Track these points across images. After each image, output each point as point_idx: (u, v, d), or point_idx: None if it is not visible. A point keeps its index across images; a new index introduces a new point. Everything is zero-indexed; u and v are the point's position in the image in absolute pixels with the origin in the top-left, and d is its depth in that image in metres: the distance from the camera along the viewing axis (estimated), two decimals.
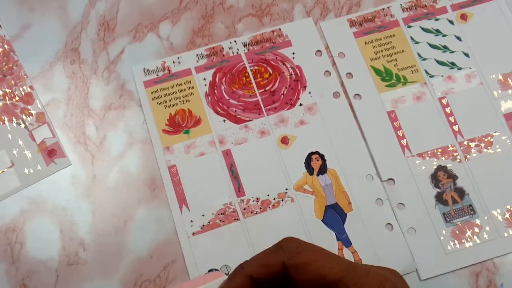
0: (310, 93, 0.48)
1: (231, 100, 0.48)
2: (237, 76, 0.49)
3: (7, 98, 0.48)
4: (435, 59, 0.49)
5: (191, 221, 0.45)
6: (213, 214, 0.45)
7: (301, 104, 0.48)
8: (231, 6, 0.51)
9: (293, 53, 0.49)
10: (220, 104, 0.48)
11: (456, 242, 0.44)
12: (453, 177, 0.46)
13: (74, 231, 0.45)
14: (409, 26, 0.50)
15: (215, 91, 0.48)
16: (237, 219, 0.45)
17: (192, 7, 0.51)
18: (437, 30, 0.50)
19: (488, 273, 0.43)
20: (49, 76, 0.49)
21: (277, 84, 0.49)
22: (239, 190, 0.45)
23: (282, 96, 0.48)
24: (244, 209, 0.45)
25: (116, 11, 0.51)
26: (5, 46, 0.49)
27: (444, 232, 0.44)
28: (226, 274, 0.41)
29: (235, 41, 0.50)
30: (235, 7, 0.51)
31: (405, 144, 0.46)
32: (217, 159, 0.46)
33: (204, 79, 0.49)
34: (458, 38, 0.50)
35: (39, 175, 0.46)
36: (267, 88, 0.48)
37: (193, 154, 0.46)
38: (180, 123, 0.47)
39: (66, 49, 0.50)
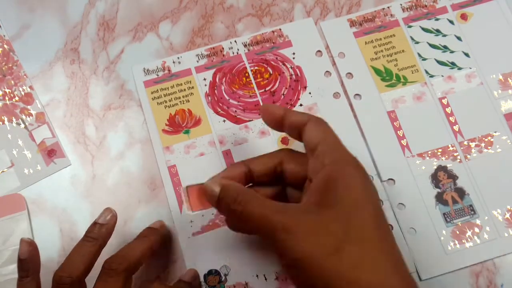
0: (310, 93, 0.48)
1: (231, 100, 0.48)
2: (237, 76, 0.49)
3: (6, 98, 0.48)
4: (435, 59, 0.49)
5: (191, 222, 0.44)
6: (213, 214, 0.45)
7: (301, 105, 0.48)
8: (231, 6, 0.51)
9: (293, 53, 0.49)
10: (220, 104, 0.48)
11: (456, 242, 0.44)
12: (453, 177, 0.45)
13: (74, 231, 0.45)
14: (409, 26, 0.50)
15: (215, 91, 0.48)
16: None
17: (192, 7, 0.51)
18: (437, 30, 0.50)
19: (488, 273, 0.43)
20: (49, 76, 0.49)
21: (277, 84, 0.49)
22: None
23: (282, 96, 0.48)
24: None
25: (116, 11, 0.51)
26: (5, 46, 0.49)
27: (444, 232, 0.44)
28: (225, 275, 0.41)
29: (235, 41, 0.50)
30: (235, 7, 0.51)
31: (405, 144, 0.46)
32: (217, 159, 0.46)
33: (204, 79, 0.49)
34: (458, 38, 0.50)
35: (39, 175, 0.46)
36: (267, 89, 0.48)
37: (193, 154, 0.46)
38: (180, 123, 0.47)
39: (66, 49, 0.50)
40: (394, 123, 0.47)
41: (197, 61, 0.49)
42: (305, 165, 0.36)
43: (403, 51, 0.49)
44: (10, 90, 0.48)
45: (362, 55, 0.49)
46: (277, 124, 0.38)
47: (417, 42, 0.50)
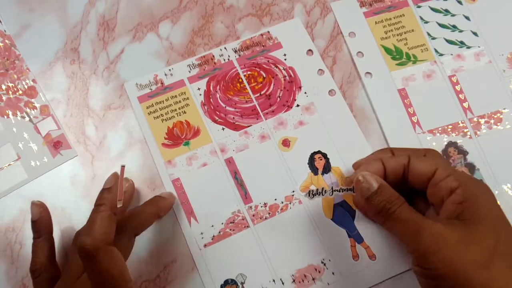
0: (305, 93, 0.48)
1: (227, 108, 0.48)
2: (231, 82, 0.48)
3: (10, 92, 0.48)
4: (444, 38, 0.49)
5: (201, 233, 0.44)
6: (222, 224, 0.44)
7: (298, 105, 0.48)
8: (231, 6, 0.51)
9: (285, 55, 0.49)
10: (217, 113, 0.48)
11: None
12: (463, 152, 0.46)
13: (74, 231, 0.45)
14: (418, 6, 0.51)
15: (211, 99, 0.48)
16: (247, 226, 0.44)
17: (192, 7, 0.51)
18: (446, 10, 0.50)
19: None
20: (48, 76, 0.49)
21: (271, 87, 0.48)
22: (245, 197, 0.45)
23: (278, 98, 0.48)
24: (253, 215, 0.44)
25: (116, 11, 0.51)
26: (6, 41, 0.49)
27: None
28: (242, 284, 0.41)
29: (225, 48, 0.49)
30: (235, 7, 0.51)
31: (416, 121, 0.47)
32: (221, 168, 0.46)
33: (198, 88, 0.48)
34: (467, 18, 0.50)
35: (46, 167, 0.46)
36: (262, 92, 0.48)
37: (195, 165, 0.46)
38: (179, 136, 0.47)
39: (66, 49, 0.50)
40: (405, 101, 0.47)
41: (189, 71, 0.49)
42: (431, 166, 0.38)
43: (412, 30, 0.50)
44: (13, 84, 0.48)
45: (373, 35, 0.50)
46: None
47: (426, 22, 0.50)
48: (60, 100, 0.48)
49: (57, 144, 0.47)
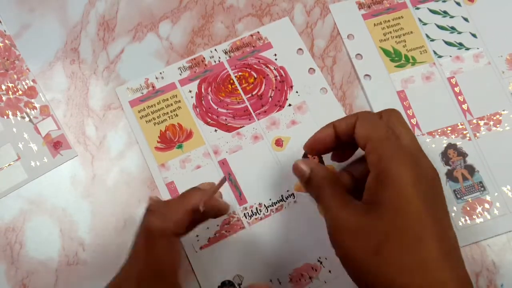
0: (297, 92, 0.48)
1: (219, 109, 0.48)
2: (222, 84, 0.48)
3: (10, 92, 0.48)
4: (443, 40, 0.50)
5: (197, 236, 0.44)
6: (218, 225, 0.44)
7: (290, 105, 0.48)
8: (231, 6, 0.51)
9: (275, 55, 0.49)
10: (210, 114, 0.47)
11: (467, 218, 0.44)
12: (463, 154, 0.46)
13: (74, 231, 0.45)
14: (417, 8, 0.51)
15: (203, 102, 0.48)
16: (243, 227, 0.44)
17: (192, 7, 0.51)
18: (445, 12, 0.50)
19: (488, 273, 0.43)
20: (48, 76, 0.49)
21: (263, 87, 0.48)
22: (240, 198, 0.45)
23: (270, 98, 0.48)
24: (248, 216, 0.45)
25: (115, 11, 0.51)
26: (6, 41, 0.49)
27: (455, 208, 0.45)
28: (239, 285, 0.41)
29: (215, 49, 0.49)
30: (235, 7, 0.51)
31: (415, 123, 0.47)
32: (214, 170, 0.46)
33: (190, 91, 0.48)
34: (465, 19, 0.50)
35: (46, 167, 0.46)
36: (254, 93, 0.48)
37: (189, 168, 0.46)
38: (172, 139, 0.47)
39: (66, 49, 0.50)
40: (404, 103, 0.48)
41: (180, 74, 0.49)
42: (364, 135, 0.35)
43: (411, 32, 0.50)
44: (13, 85, 0.48)
45: (371, 37, 0.50)
46: (335, 143, 0.38)
47: (425, 24, 0.50)
48: (60, 100, 0.48)
49: (57, 144, 0.47)
